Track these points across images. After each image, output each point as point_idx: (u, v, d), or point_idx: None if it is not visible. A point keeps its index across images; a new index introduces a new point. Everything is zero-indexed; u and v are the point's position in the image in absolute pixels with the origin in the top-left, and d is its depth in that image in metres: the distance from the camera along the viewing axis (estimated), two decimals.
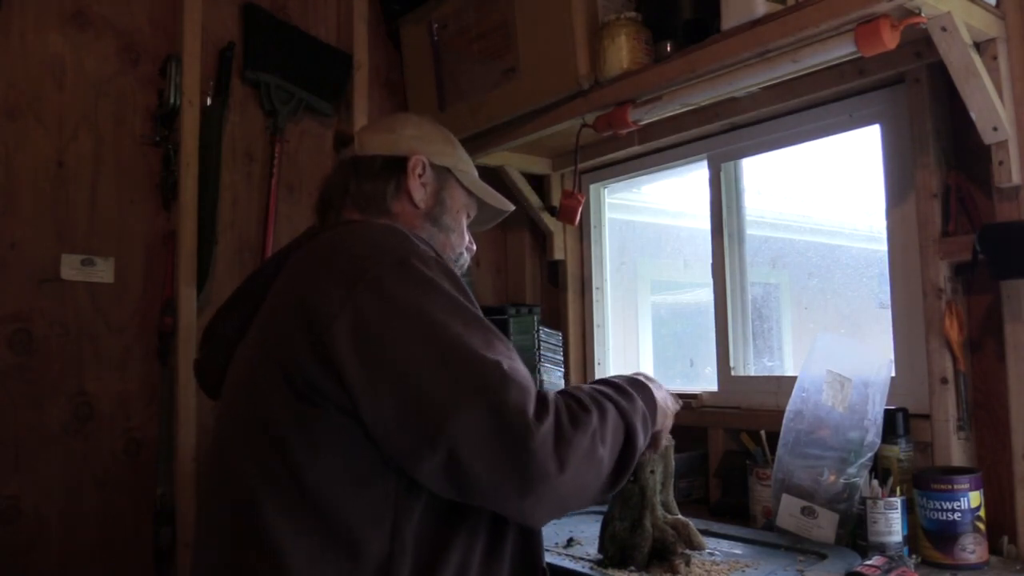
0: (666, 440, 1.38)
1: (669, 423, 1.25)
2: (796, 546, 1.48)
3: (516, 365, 0.97)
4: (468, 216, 1.37)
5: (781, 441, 1.60)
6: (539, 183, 2.44)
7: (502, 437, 0.90)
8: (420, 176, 1.28)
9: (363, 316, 0.96)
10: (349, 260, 1.03)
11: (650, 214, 2.75)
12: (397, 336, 0.95)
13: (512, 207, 1.48)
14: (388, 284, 0.98)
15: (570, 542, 1.57)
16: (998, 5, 1.43)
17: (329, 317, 0.97)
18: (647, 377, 1.21)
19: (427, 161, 1.29)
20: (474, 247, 1.40)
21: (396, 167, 1.28)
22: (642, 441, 1.10)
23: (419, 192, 1.28)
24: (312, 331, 0.98)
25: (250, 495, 1.00)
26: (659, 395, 1.19)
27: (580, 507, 1.09)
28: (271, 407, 1.01)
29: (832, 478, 1.52)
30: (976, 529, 1.38)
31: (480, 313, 1.04)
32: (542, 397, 0.96)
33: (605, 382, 1.14)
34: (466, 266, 1.39)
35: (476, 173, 1.40)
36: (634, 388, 1.14)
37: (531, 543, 1.13)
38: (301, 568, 0.96)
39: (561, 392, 1.04)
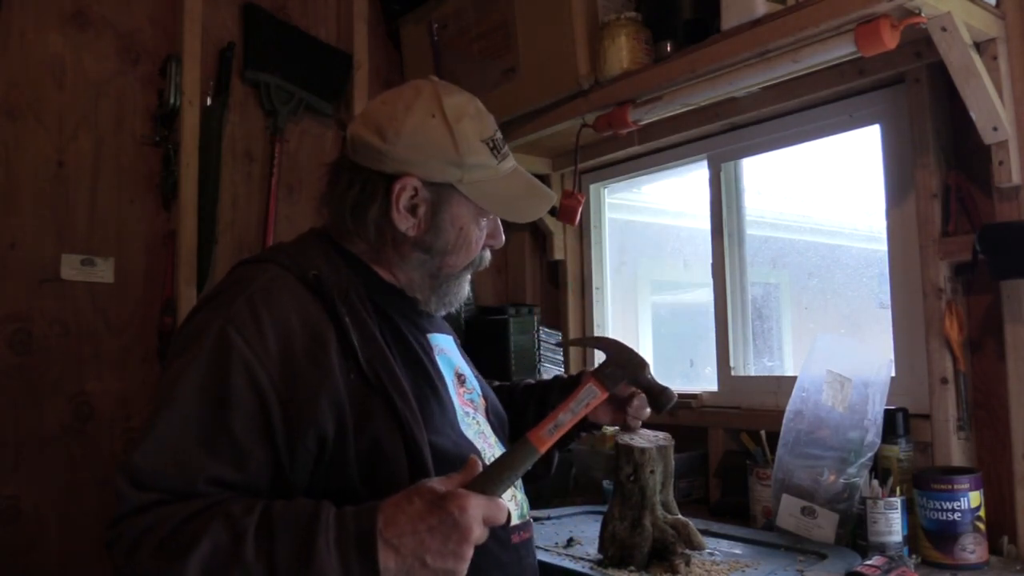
0: (665, 440, 1.39)
1: (442, 567, 0.88)
2: (796, 546, 1.48)
3: (154, 471, 0.92)
4: (486, 219, 1.18)
5: (781, 441, 1.60)
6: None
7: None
8: (411, 198, 1.11)
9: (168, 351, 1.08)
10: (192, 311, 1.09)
11: (650, 214, 2.75)
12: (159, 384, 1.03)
13: (552, 197, 1.23)
14: (181, 338, 1.04)
15: (570, 542, 1.56)
16: (998, 5, 1.43)
17: None
18: (427, 511, 0.88)
19: (418, 183, 1.10)
20: (502, 238, 1.22)
21: (380, 187, 1.11)
22: None
23: (404, 222, 1.11)
24: None
25: None
26: (406, 559, 0.87)
27: None
28: None
29: (832, 478, 1.52)
30: (976, 529, 1.38)
31: (228, 401, 0.95)
32: (133, 511, 0.90)
33: (306, 522, 0.88)
34: (487, 262, 1.23)
35: (503, 168, 1.16)
36: (341, 546, 0.87)
37: None
38: None
39: (189, 519, 0.88)
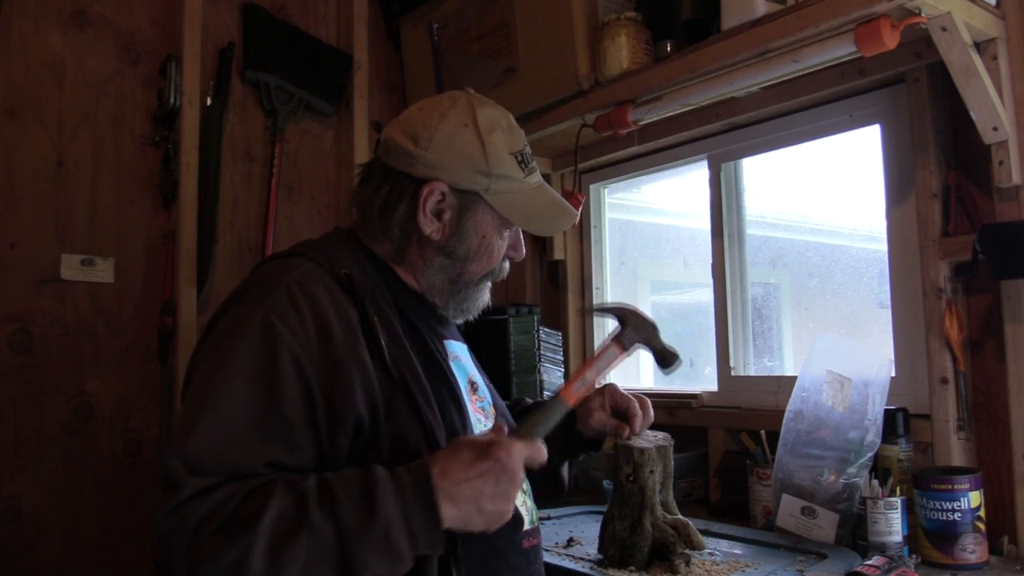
0: (664, 440, 1.39)
1: (504, 517, 0.97)
2: (796, 546, 1.48)
3: (212, 465, 0.92)
4: (508, 230, 1.21)
5: (781, 441, 1.60)
6: None
7: (156, 507, 0.92)
8: (438, 203, 1.14)
9: (197, 353, 1.07)
10: (220, 305, 1.10)
11: (650, 214, 2.75)
12: (191, 379, 1.04)
13: (575, 215, 1.26)
14: (213, 333, 1.05)
15: (570, 542, 1.56)
16: (998, 5, 1.43)
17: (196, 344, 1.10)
18: (475, 458, 0.95)
19: (446, 188, 1.13)
20: (523, 251, 1.24)
21: (409, 190, 1.14)
22: (380, 569, 0.90)
23: (429, 225, 1.14)
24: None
25: None
26: (464, 520, 0.95)
27: None
28: None
29: (832, 478, 1.52)
30: (976, 529, 1.38)
31: (277, 386, 0.98)
32: (191, 496, 0.90)
33: (364, 482, 0.93)
34: (505, 273, 1.25)
35: (529, 182, 1.19)
36: (402, 499, 0.91)
37: None
38: None
39: (251, 493, 0.91)
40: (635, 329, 1.27)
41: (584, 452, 1.39)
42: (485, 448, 0.95)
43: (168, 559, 0.89)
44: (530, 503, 1.22)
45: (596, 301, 2.43)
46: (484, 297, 1.24)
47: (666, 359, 1.29)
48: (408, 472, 0.94)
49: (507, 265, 1.24)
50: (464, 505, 0.93)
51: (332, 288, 1.07)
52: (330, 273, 1.08)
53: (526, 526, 1.16)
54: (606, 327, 2.42)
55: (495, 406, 1.28)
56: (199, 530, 0.88)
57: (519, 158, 1.18)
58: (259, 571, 0.86)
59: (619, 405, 1.31)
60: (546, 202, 1.22)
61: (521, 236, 1.24)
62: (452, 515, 0.93)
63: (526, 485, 1.22)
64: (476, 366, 1.31)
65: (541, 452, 1.01)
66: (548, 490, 1.33)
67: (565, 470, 1.36)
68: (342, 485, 0.92)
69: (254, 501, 0.89)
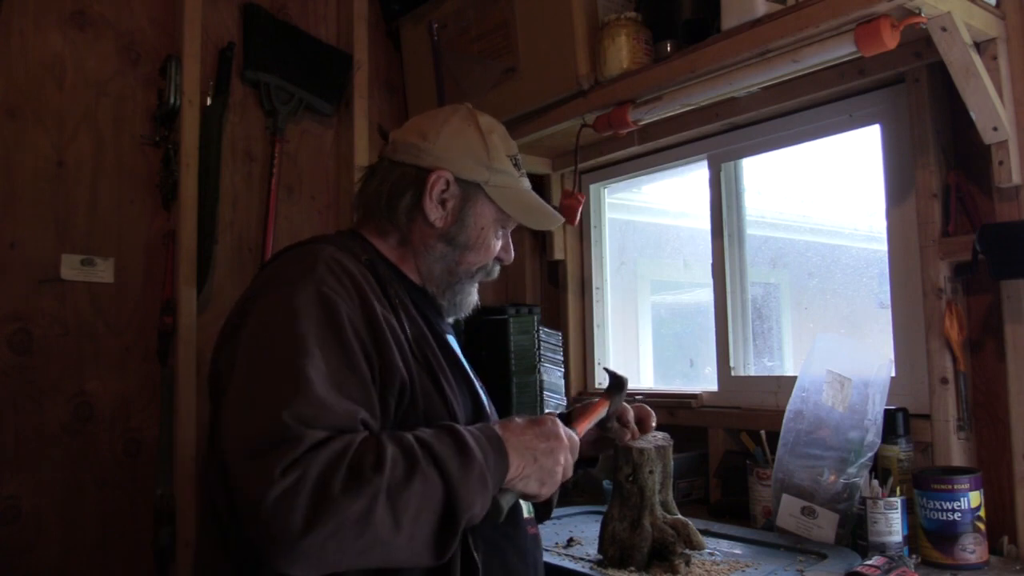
0: (664, 440, 1.39)
1: (555, 485, 1.12)
2: (796, 546, 1.48)
3: (325, 419, 0.94)
4: (503, 227, 1.31)
5: (781, 441, 1.60)
6: (539, 183, 2.44)
7: (245, 476, 0.91)
8: (442, 192, 1.23)
9: (237, 339, 1.06)
10: (245, 300, 1.13)
11: (650, 214, 2.75)
12: (243, 357, 1.03)
13: (560, 219, 1.38)
14: (261, 312, 1.06)
15: (570, 542, 1.57)
16: (998, 5, 1.43)
17: (220, 339, 1.13)
18: (534, 435, 1.09)
19: (451, 177, 1.23)
20: (511, 255, 1.34)
21: (416, 179, 1.23)
22: (477, 513, 0.99)
23: (434, 212, 1.23)
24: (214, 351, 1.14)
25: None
26: (525, 468, 1.07)
27: (374, 569, 0.97)
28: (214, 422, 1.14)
29: (832, 478, 1.52)
30: (976, 529, 1.38)
31: (346, 350, 1.02)
32: (310, 448, 0.91)
33: (450, 433, 1.02)
34: (495, 274, 1.34)
35: (522, 185, 1.31)
36: (482, 447, 1.02)
37: None
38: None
39: (364, 443, 0.95)
40: (620, 397, 1.38)
41: (582, 468, 1.44)
42: (534, 418, 1.12)
43: (282, 515, 0.88)
44: (525, 504, 1.26)
45: (596, 301, 2.43)
46: (473, 296, 1.32)
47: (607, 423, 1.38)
48: (478, 429, 1.06)
49: (497, 268, 1.33)
50: (524, 456, 1.07)
51: (359, 266, 1.14)
52: (352, 256, 1.15)
53: (526, 514, 1.24)
54: (607, 330, 2.42)
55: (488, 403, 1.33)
56: (325, 481, 0.89)
57: (513, 161, 1.30)
58: (383, 520, 0.91)
59: (621, 414, 1.39)
60: (537, 203, 1.34)
61: (511, 242, 1.34)
62: (516, 464, 1.06)
63: None
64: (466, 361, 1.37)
65: (576, 440, 1.16)
66: (539, 512, 1.39)
67: (555, 498, 1.41)
68: (434, 437, 1.00)
69: (370, 452, 0.94)
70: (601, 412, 1.34)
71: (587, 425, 1.29)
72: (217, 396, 1.11)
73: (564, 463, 1.11)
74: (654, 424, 1.41)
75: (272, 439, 0.91)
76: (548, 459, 1.09)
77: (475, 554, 1.07)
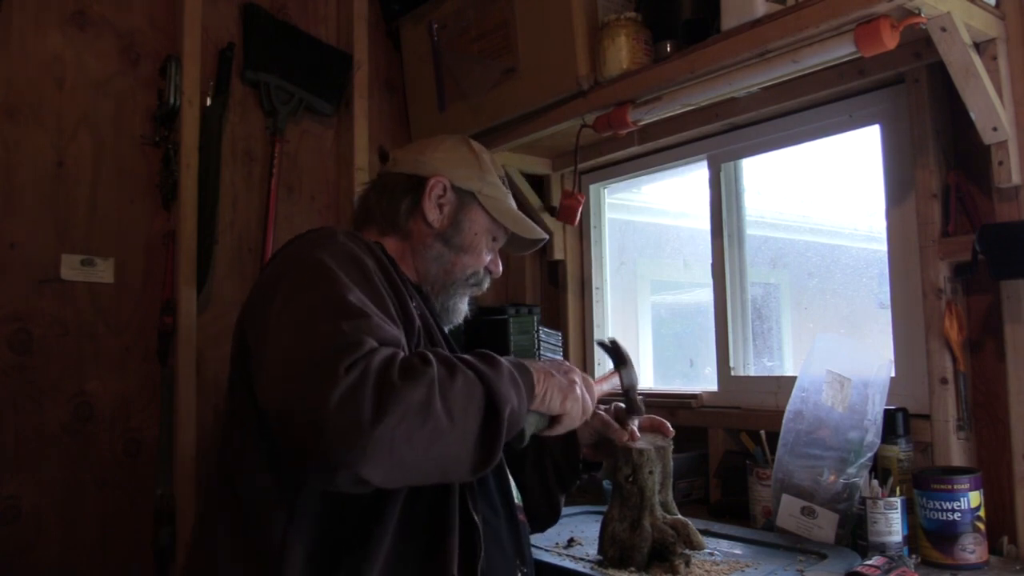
0: (663, 440, 1.39)
1: (577, 408, 1.18)
2: (796, 546, 1.48)
3: (375, 334, 0.99)
4: (494, 239, 1.42)
5: (781, 441, 1.60)
6: (539, 183, 2.44)
7: (307, 385, 0.92)
8: (439, 197, 1.35)
9: (272, 301, 1.08)
10: (270, 271, 1.18)
11: (650, 214, 2.75)
12: (287, 306, 1.06)
13: (545, 236, 1.49)
14: (295, 274, 1.10)
15: (570, 542, 1.57)
16: (998, 5, 1.43)
17: (247, 310, 1.18)
18: (548, 364, 1.20)
19: (448, 183, 1.35)
20: (499, 269, 1.45)
21: (415, 186, 1.35)
22: (515, 406, 1.04)
23: (432, 213, 1.35)
24: (238, 326, 1.19)
25: (213, 482, 1.22)
26: (546, 379, 1.15)
27: (431, 471, 0.99)
28: (229, 402, 1.20)
29: (832, 478, 1.52)
30: (976, 529, 1.38)
31: (377, 293, 1.10)
32: (370, 351, 0.95)
33: (472, 352, 1.11)
34: (485, 286, 1.43)
35: (510, 202, 1.43)
36: (505, 360, 1.09)
37: (440, 555, 1.09)
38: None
39: (416, 351, 1.06)
40: (629, 368, 1.42)
41: (587, 473, 1.47)
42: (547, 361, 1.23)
43: (352, 407, 0.90)
44: (515, 489, 1.32)
45: (596, 301, 2.43)
46: (463, 306, 1.41)
47: (633, 408, 1.41)
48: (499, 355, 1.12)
49: (487, 281, 1.43)
50: (541, 371, 1.15)
51: (369, 247, 1.20)
52: (360, 240, 1.21)
53: (516, 502, 1.30)
54: (607, 330, 2.42)
55: None
56: (387, 373, 0.94)
57: (502, 180, 1.44)
58: (439, 410, 0.95)
59: (620, 416, 1.42)
60: (524, 216, 1.45)
61: (499, 258, 1.45)
62: (537, 375, 1.13)
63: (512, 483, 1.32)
64: None
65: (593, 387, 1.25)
66: (543, 516, 1.45)
67: (562, 499, 1.47)
68: (478, 356, 1.08)
69: (415, 357, 1.00)
70: (613, 380, 1.39)
71: (603, 383, 1.35)
72: (243, 358, 1.14)
73: (581, 389, 1.19)
74: (672, 431, 1.42)
75: (336, 346, 0.94)
76: (564, 377, 1.18)
77: (475, 515, 1.12)
